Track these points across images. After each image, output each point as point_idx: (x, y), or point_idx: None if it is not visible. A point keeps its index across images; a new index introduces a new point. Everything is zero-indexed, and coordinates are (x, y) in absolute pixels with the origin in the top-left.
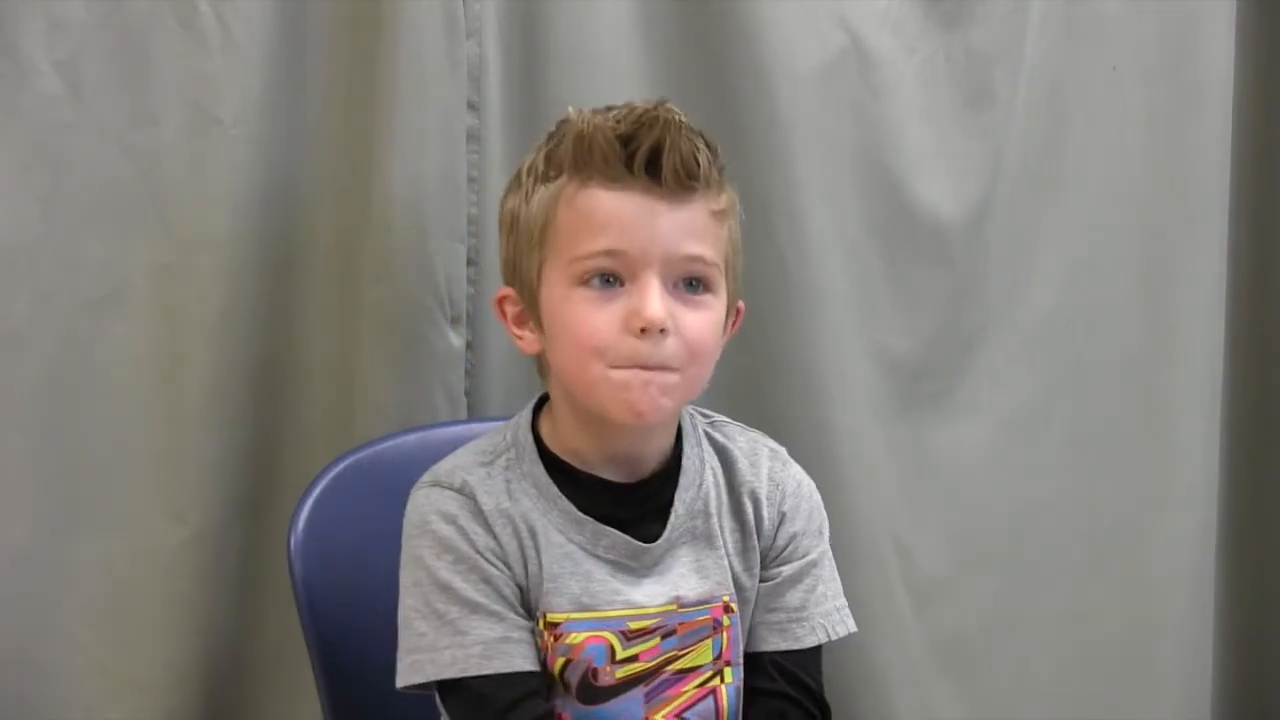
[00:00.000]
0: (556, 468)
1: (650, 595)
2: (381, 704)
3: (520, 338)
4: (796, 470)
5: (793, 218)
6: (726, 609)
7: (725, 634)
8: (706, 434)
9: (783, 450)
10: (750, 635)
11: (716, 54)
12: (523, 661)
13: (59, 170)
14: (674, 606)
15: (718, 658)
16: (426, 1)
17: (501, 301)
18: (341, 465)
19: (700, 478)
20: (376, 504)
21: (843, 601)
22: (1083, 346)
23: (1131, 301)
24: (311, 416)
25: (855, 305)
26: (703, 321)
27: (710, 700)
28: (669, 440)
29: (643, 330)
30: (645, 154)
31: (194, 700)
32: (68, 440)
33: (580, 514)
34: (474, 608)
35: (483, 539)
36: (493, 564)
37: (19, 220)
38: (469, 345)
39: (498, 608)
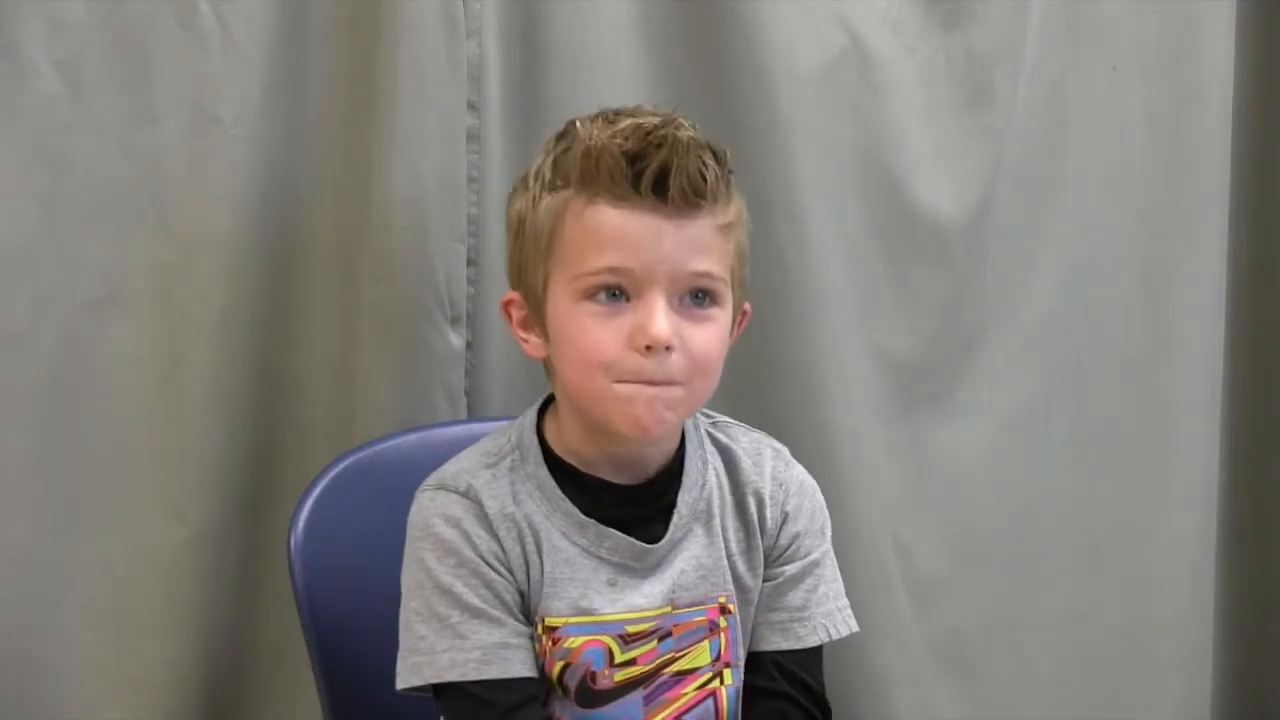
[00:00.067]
0: (560, 470)
1: (650, 597)
2: (381, 704)
3: (526, 341)
4: (799, 470)
5: (793, 218)
6: (723, 610)
7: (723, 635)
8: (709, 434)
9: (785, 450)
10: (752, 635)
11: (716, 54)
12: (521, 667)
13: (59, 170)
14: (669, 608)
15: (716, 659)
16: (426, 1)
17: (507, 305)
18: (341, 465)
19: (703, 478)
20: (376, 504)
21: (844, 601)
22: (1083, 346)
23: (1131, 301)
24: (311, 416)
25: (855, 305)
26: (708, 336)
27: (710, 702)
28: (673, 443)
29: (648, 347)
30: (653, 174)
31: (194, 700)
32: (68, 440)
33: (583, 516)
34: (474, 612)
35: (486, 543)
36: (495, 569)
37: (19, 220)
38: (469, 345)
39: (498, 613)
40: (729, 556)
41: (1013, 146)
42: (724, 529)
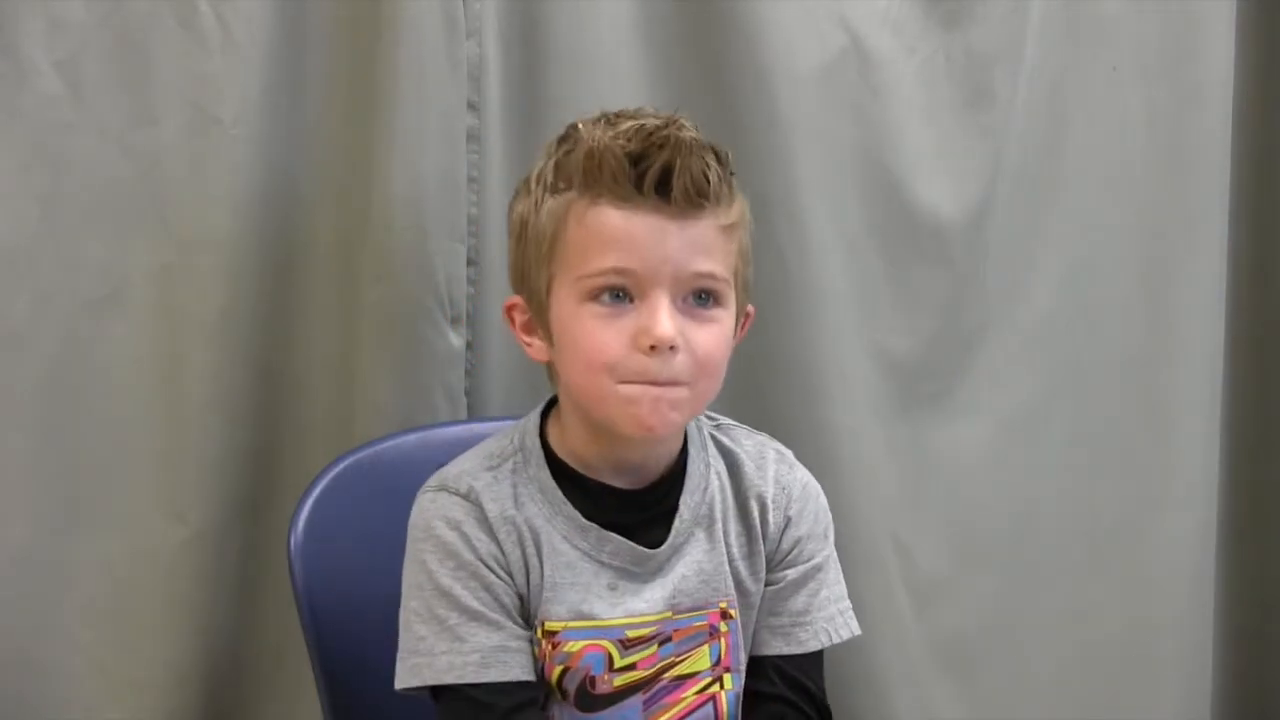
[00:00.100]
0: (562, 473)
1: (651, 602)
2: (381, 704)
3: (529, 345)
4: (803, 473)
5: (793, 218)
6: (724, 615)
7: (723, 640)
8: (713, 437)
9: (789, 453)
10: (753, 639)
11: (716, 54)
12: (519, 671)
13: (59, 170)
14: (669, 613)
15: (716, 664)
16: (426, 1)
17: (510, 309)
18: (341, 465)
19: (705, 482)
20: (376, 504)
21: (847, 604)
22: (1083, 346)
23: (1131, 301)
24: (311, 416)
25: (855, 305)
26: (712, 336)
27: (709, 707)
28: (676, 446)
29: (652, 348)
30: (655, 174)
31: (194, 700)
32: (68, 440)
33: (585, 520)
34: (473, 615)
35: (486, 546)
36: (494, 572)
37: (19, 220)
38: (469, 345)
39: (497, 616)
40: (731, 561)
41: (1013, 146)
42: (726, 533)
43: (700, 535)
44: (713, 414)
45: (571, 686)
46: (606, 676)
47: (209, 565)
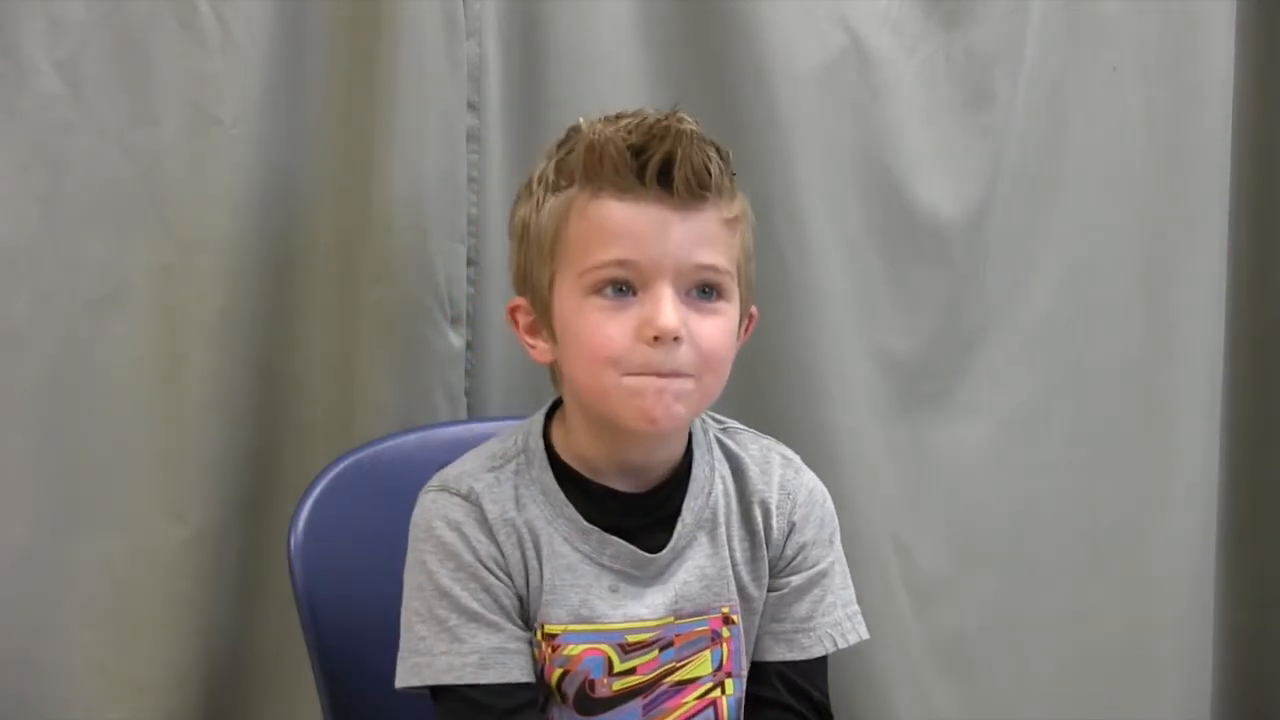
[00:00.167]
0: (566, 475)
1: (652, 607)
2: (381, 704)
3: (533, 347)
4: (809, 478)
5: (793, 218)
6: (726, 620)
7: (725, 645)
8: (718, 441)
9: (796, 458)
10: (756, 644)
11: (716, 54)
12: (519, 673)
13: (59, 170)
14: (671, 619)
15: (718, 669)
16: (426, 1)
17: (514, 311)
18: (341, 465)
19: (709, 485)
20: (376, 504)
21: (855, 608)
22: (1083, 346)
23: (1131, 301)
24: (311, 416)
25: (855, 305)
26: (716, 328)
27: (710, 712)
28: (680, 448)
29: (656, 338)
30: (657, 165)
31: (194, 700)
32: (68, 440)
33: (586, 523)
34: (473, 616)
35: (485, 548)
36: (494, 573)
37: (19, 220)
38: (469, 345)
39: (496, 618)
40: (734, 566)
41: (1013, 146)
42: (729, 538)
43: (703, 539)
44: (719, 417)
45: (571, 690)
46: (605, 680)
47: (209, 565)
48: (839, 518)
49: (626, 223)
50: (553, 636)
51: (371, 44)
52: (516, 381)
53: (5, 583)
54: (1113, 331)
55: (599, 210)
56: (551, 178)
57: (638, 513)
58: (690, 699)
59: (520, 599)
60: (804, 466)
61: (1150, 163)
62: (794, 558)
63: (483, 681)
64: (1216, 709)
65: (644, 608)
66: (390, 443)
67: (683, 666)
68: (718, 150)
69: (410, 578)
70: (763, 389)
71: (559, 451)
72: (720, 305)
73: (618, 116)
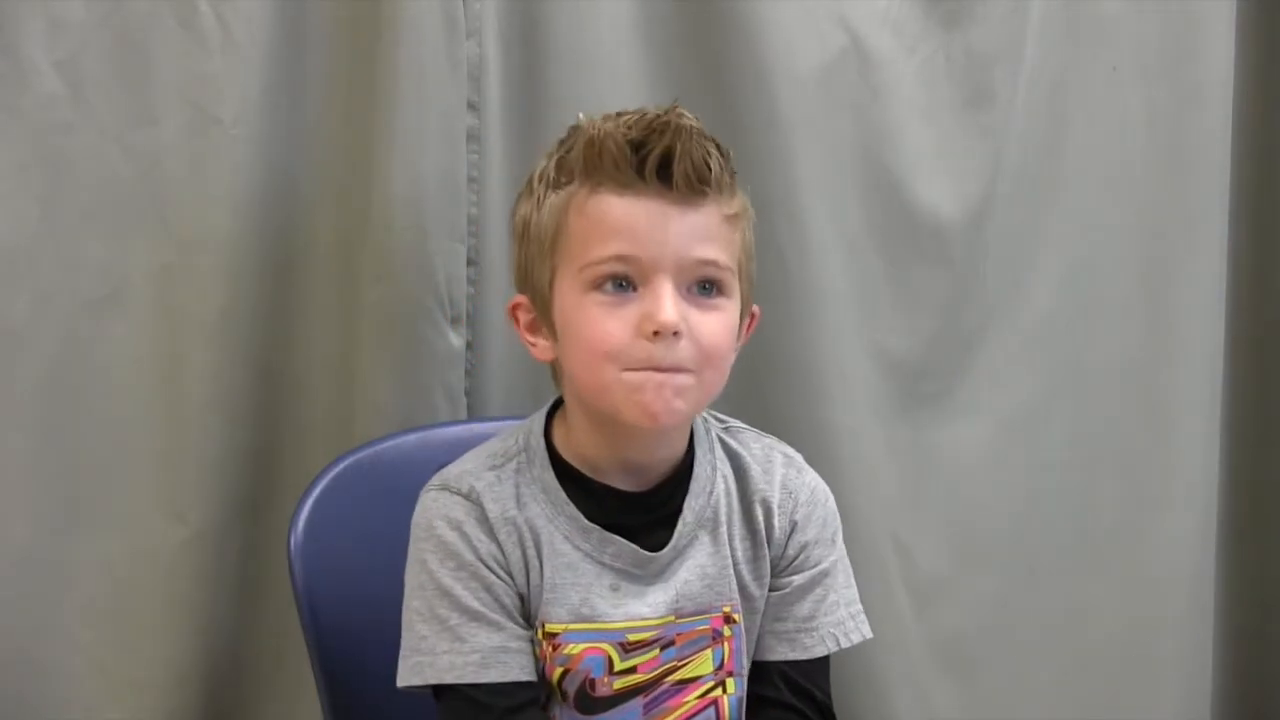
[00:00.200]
0: (567, 474)
1: (653, 606)
2: (381, 704)
3: (534, 345)
4: (811, 477)
5: (793, 218)
6: (728, 619)
7: (726, 644)
8: (720, 440)
9: (798, 457)
10: (758, 644)
11: (716, 54)
12: (520, 672)
13: (59, 170)
14: (672, 618)
15: (719, 668)
16: (426, 1)
17: (515, 309)
18: (341, 465)
19: (711, 484)
20: (376, 504)
21: (858, 608)
22: (1083, 346)
23: (1131, 301)
24: (311, 416)
25: (855, 305)
26: (716, 324)
27: (711, 711)
28: (681, 446)
29: (656, 333)
30: (656, 159)
31: (194, 700)
32: (68, 440)
33: (587, 522)
34: (474, 615)
35: (486, 546)
36: (495, 572)
37: (19, 220)
38: (469, 345)
39: (497, 617)
40: (735, 565)
41: (1013, 146)
42: (730, 537)
43: (704, 538)
44: (721, 416)
45: (571, 689)
46: (606, 679)
47: (209, 565)
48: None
49: (626, 218)
50: (553, 635)
51: (371, 44)
52: (516, 381)
53: (5, 583)
54: (1113, 331)
55: (599, 205)
56: (552, 175)
57: (639, 511)
58: (691, 698)
59: (521, 598)
60: (806, 466)
61: (1150, 163)
62: (796, 557)
63: (484, 681)
64: (1216, 709)
65: (645, 606)
66: (390, 443)
67: (684, 665)
68: (718, 146)
69: (411, 577)
70: (763, 389)
71: (560, 450)
72: (720, 301)
73: (619, 114)
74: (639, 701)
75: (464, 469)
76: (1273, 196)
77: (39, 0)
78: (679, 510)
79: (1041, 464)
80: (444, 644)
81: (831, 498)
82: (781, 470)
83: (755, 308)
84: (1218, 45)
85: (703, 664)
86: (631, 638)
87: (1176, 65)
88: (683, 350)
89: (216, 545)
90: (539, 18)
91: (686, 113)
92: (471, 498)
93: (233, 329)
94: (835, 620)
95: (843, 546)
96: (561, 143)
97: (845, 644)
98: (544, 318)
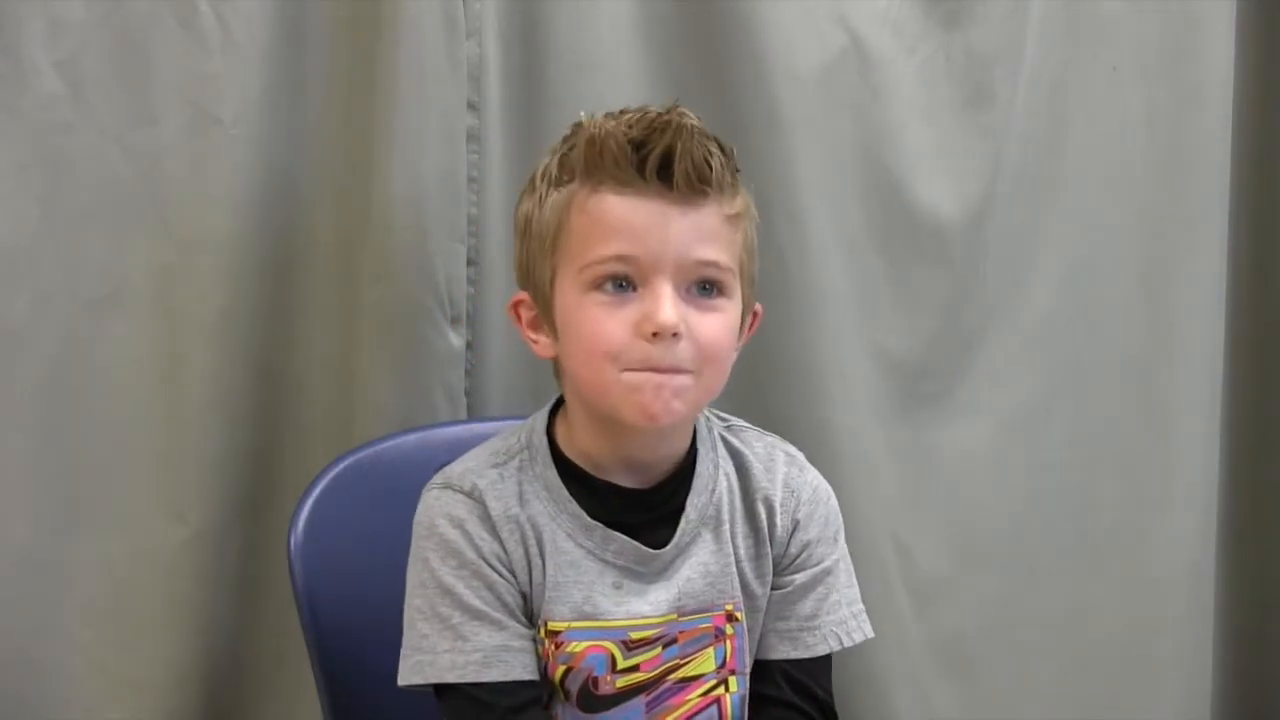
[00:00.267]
0: (569, 472)
1: (656, 604)
2: (381, 704)
3: (535, 342)
4: (813, 476)
5: (793, 218)
6: (730, 617)
7: (729, 643)
8: (723, 438)
9: (800, 456)
10: (760, 642)
11: (716, 54)
12: (522, 671)
13: (59, 170)
14: (675, 615)
15: (721, 666)
16: (426, 1)
17: (516, 306)
18: (341, 465)
19: (713, 482)
20: (376, 504)
21: (860, 607)
22: (1083, 346)
23: (1131, 301)
24: (311, 416)
25: (855, 305)
26: (716, 324)
27: (714, 709)
28: (684, 444)
29: (655, 334)
30: (657, 159)
31: (194, 700)
32: (68, 440)
33: (590, 519)
34: (476, 614)
35: (488, 545)
36: (497, 571)
37: (19, 220)
38: (469, 345)
39: (499, 615)
40: (737, 563)
41: (1013, 146)
42: (733, 535)
43: (707, 536)
44: (724, 414)
45: (574, 687)
46: (609, 677)
47: (209, 565)
48: None
49: (626, 217)
50: (556, 633)
51: (371, 44)
52: (516, 381)
53: (5, 583)
54: (1113, 331)
55: (599, 205)
56: (554, 173)
57: (641, 509)
58: (694, 696)
59: (524, 596)
60: (808, 464)
61: (1150, 163)
62: (798, 556)
63: (486, 680)
64: (1216, 709)
65: (647, 604)
66: (390, 443)
67: (686, 664)
68: (720, 146)
69: (413, 575)
70: (763, 388)
71: (562, 448)
72: (720, 302)
73: (621, 112)
74: (641, 700)
75: (466, 467)
76: (1273, 196)
77: (39, 0)
78: (681, 508)
79: (1041, 464)
80: (446, 643)
81: (833, 496)
82: (784, 469)
83: (758, 306)
84: (1218, 45)
85: (705, 662)
86: (634, 636)
87: (1176, 65)
88: (682, 351)
89: (216, 545)
90: (539, 18)
91: (688, 112)
92: (474, 496)
93: (233, 329)
94: (837, 619)
95: (844, 545)
96: (565, 140)
97: (847, 643)
98: (545, 315)
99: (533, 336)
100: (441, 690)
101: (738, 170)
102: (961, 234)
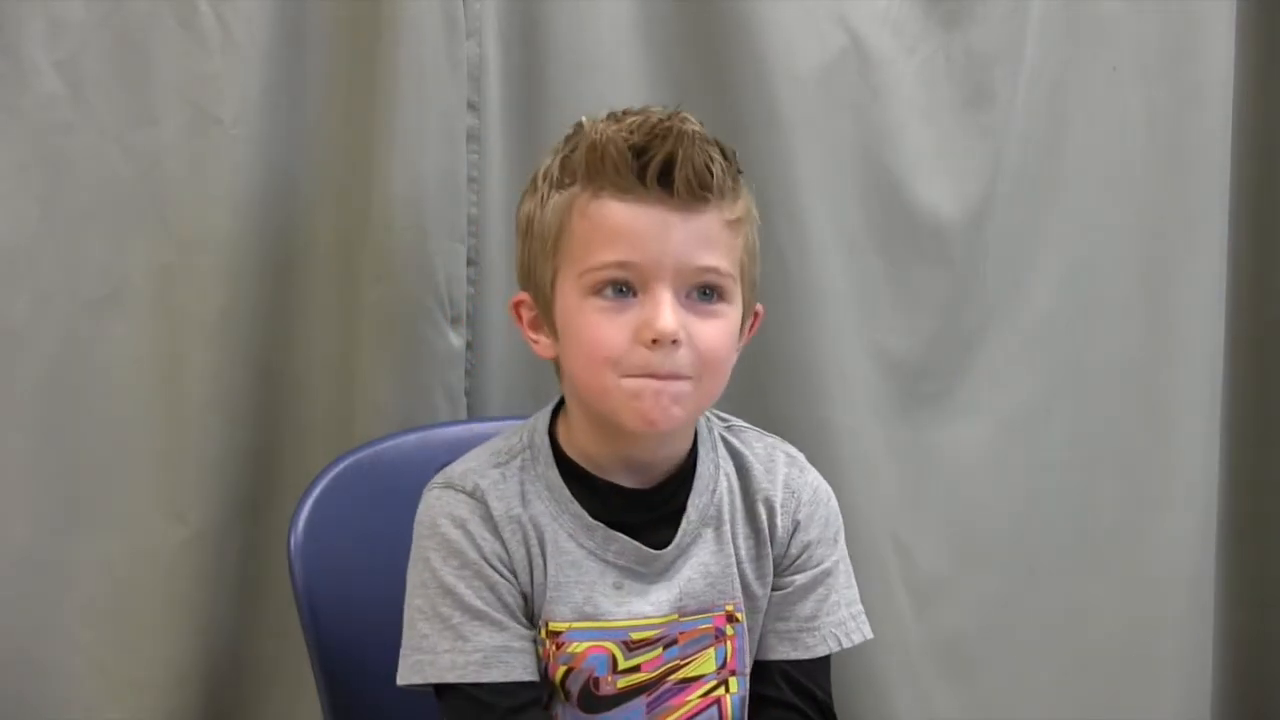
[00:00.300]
0: (571, 472)
1: (657, 604)
2: (381, 704)
3: (536, 342)
4: (813, 476)
5: (793, 218)
6: (730, 618)
7: (729, 643)
8: (723, 439)
9: (801, 456)
10: (760, 643)
11: (716, 54)
12: (522, 671)
13: (59, 170)
14: (676, 616)
15: (722, 667)
16: (426, 1)
17: (517, 306)
18: (341, 465)
19: (714, 483)
20: (376, 504)
21: (859, 608)
22: (1083, 346)
23: (1131, 301)
24: (311, 416)
25: (855, 305)
26: (716, 330)
27: (714, 710)
28: (685, 445)
29: (654, 341)
30: (658, 166)
31: (194, 700)
32: (68, 440)
33: (591, 519)
34: (476, 614)
35: (490, 545)
36: (498, 571)
37: (19, 220)
38: (469, 345)
39: (500, 616)
40: (738, 564)
41: (1013, 146)
42: (734, 536)
43: (708, 536)
44: (724, 415)
45: (575, 687)
46: (610, 678)
47: (209, 565)
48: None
49: (627, 223)
50: (557, 634)
51: (371, 44)
52: (516, 381)
53: (5, 583)
54: (1113, 331)
55: (600, 210)
56: (556, 175)
57: (642, 509)
58: (694, 697)
59: (524, 596)
60: (809, 465)
61: (1150, 163)
62: (798, 556)
63: (486, 680)
64: (1216, 709)
65: (648, 605)
66: (390, 443)
67: (686, 664)
68: (721, 150)
69: (414, 574)
70: (763, 389)
71: (564, 448)
72: (721, 307)
73: (624, 113)
74: (642, 700)
75: (468, 467)
76: (1273, 196)
77: (39, 0)
78: (682, 508)
79: (1041, 464)
80: (446, 643)
81: (833, 497)
82: (784, 470)
83: (759, 307)
84: (1218, 45)
85: (705, 663)
86: (635, 636)
87: (1176, 65)
88: (681, 358)
89: (216, 545)
90: (539, 18)
91: (690, 117)
92: (476, 495)
93: (233, 329)
94: (837, 620)
95: (844, 546)
96: (566, 140)
97: (846, 644)
98: (546, 316)
99: (533, 337)
100: (441, 690)
101: (740, 172)
102: (961, 234)
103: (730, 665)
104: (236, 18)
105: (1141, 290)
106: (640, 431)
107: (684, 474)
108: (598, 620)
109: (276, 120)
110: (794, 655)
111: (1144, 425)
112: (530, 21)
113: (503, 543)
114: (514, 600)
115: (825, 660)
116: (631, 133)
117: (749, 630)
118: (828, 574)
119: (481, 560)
